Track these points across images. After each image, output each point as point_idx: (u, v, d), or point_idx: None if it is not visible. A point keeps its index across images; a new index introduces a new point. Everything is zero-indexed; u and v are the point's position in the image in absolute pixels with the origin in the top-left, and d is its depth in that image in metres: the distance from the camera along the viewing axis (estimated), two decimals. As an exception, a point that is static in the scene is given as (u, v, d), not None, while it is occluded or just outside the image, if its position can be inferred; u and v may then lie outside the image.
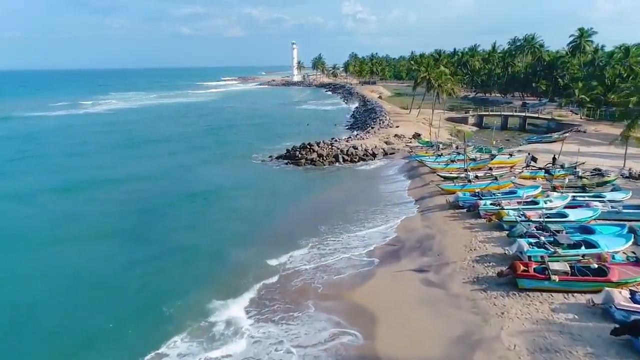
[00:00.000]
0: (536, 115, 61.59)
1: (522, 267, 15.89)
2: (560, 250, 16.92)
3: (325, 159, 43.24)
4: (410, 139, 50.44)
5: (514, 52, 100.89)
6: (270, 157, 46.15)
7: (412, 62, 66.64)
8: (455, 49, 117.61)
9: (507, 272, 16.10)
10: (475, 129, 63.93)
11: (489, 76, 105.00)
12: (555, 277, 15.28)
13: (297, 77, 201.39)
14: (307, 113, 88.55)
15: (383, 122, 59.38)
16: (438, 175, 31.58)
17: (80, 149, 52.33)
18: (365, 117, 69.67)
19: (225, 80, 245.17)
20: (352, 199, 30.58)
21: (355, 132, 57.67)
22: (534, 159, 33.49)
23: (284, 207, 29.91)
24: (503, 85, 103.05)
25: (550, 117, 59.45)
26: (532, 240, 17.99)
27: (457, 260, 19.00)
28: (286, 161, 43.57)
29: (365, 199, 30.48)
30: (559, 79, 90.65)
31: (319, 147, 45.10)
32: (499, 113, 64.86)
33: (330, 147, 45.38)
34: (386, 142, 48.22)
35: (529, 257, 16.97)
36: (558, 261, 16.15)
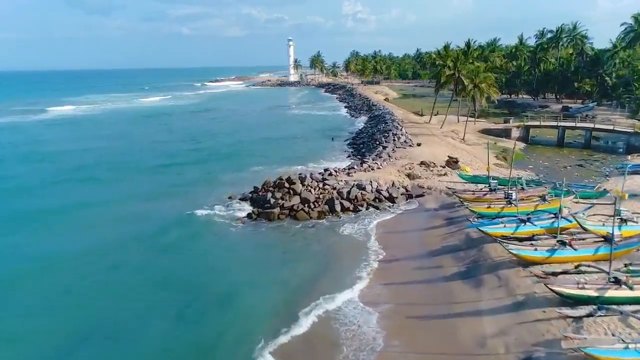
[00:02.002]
0: (611, 127, 44.29)
1: None
2: None
3: (313, 207, 26.52)
4: (444, 167, 33.59)
5: (546, 46, 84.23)
6: (229, 199, 29.73)
7: (435, 56, 49.84)
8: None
9: None
10: (521, 145, 47.08)
11: (516, 75, 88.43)
12: None
13: (293, 77, 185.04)
14: (299, 120, 72.98)
15: (399, 139, 42.10)
16: (550, 288, 13.53)
17: None
18: (372, 129, 51.60)
19: (221, 80, 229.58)
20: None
21: (359, 157, 40.25)
22: None
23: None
24: (533, 85, 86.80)
25: (632, 130, 42.42)
26: None
27: None
28: (251, 210, 26.92)
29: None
30: (607, 77, 74.47)
31: (303, 185, 28.28)
32: (554, 123, 47.65)
33: (322, 186, 28.41)
34: (409, 175, 31.39)
35: None
36: None
